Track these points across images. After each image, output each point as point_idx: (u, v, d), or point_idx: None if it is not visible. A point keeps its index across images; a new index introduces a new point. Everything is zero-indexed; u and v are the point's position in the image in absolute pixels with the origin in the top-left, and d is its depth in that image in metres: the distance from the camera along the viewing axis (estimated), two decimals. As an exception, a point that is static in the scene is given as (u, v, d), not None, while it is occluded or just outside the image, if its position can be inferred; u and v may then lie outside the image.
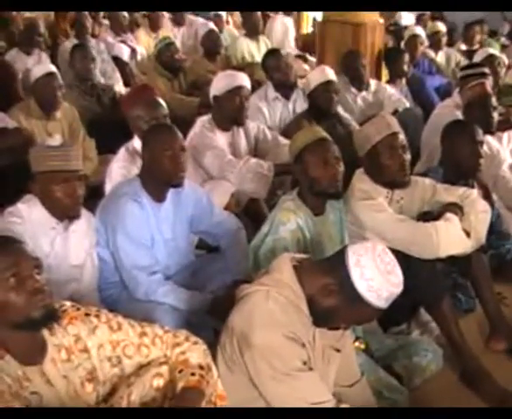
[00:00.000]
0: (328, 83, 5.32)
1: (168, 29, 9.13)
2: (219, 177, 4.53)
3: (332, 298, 2.47)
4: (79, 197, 3.30)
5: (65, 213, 3.33)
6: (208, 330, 3.20)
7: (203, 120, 4.76)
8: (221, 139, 4.72)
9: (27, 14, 8.96)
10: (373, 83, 6.34)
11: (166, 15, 9.34)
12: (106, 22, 9.17)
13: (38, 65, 5.96)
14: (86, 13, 8.11)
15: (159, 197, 3.57)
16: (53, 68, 5.38)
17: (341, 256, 2.48)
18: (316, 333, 2.58)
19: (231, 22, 10.07)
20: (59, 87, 5.23)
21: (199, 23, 8.92)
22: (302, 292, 2.52)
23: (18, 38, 7.66)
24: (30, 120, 5.14)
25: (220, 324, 2.76)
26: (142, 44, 8.77)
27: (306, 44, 9.40)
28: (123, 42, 8.09)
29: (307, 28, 10.87)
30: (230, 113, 4.72)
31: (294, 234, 3.36)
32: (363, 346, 3.23)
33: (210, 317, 3.38)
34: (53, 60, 7.15)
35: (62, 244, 3.37)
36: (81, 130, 5.36)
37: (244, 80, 4.82)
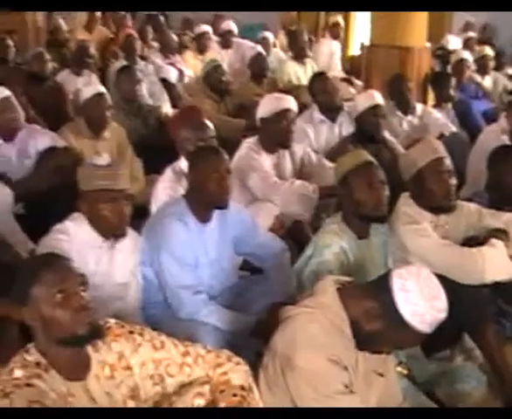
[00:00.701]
0: (376, 107, 5.30)
1: (215, 51, 9.20)
2: (264, 199, 4.55)
3: (376, 322, 2.46)
4: (125, 216, 3.34)
5: (111, 231, 3.36)
6: (250, 351, 3.19)
7: (249, 142, 4.80)
8: (267, 161, 4.74)
9: (80, 36, 9.12)
10: (419, 107, 6.31)
11: (213, 38, 9.43)
12: (155, 44, 9.29)
13: (88, 85, 6.03)
14: (136, 36, 8.23)
15: (204, 218, 3.59)
16: (102, 89, 5.45)
17: (385, 280, 2.46)
18: (359, 357, 2.57)
19: (277, 44, 10.12)
20: (108, 107, 5.28)
21: (246, 46, 8.98)
22: (346, 315, 2.51)
23: (70, 60, 7.80)
24: (79, 140, 5.19)
25: (263, 346, 2.76)
26: (190, 66, 8.84)
27: (353, 68, 9.40)
28: (171, 64, 8.16)
29: (353, 51, 10.88)
30: (276, 135, 4.74)
31: (337, 257, 3.36)
32: (405, 371, 3.20)
33: (253, 338, 3.38)
34: (103, 81, 7.25)
35: (108, 263, 3.41)
36: (129, 150, 5.41)
37: (290, 103, 4.85)
